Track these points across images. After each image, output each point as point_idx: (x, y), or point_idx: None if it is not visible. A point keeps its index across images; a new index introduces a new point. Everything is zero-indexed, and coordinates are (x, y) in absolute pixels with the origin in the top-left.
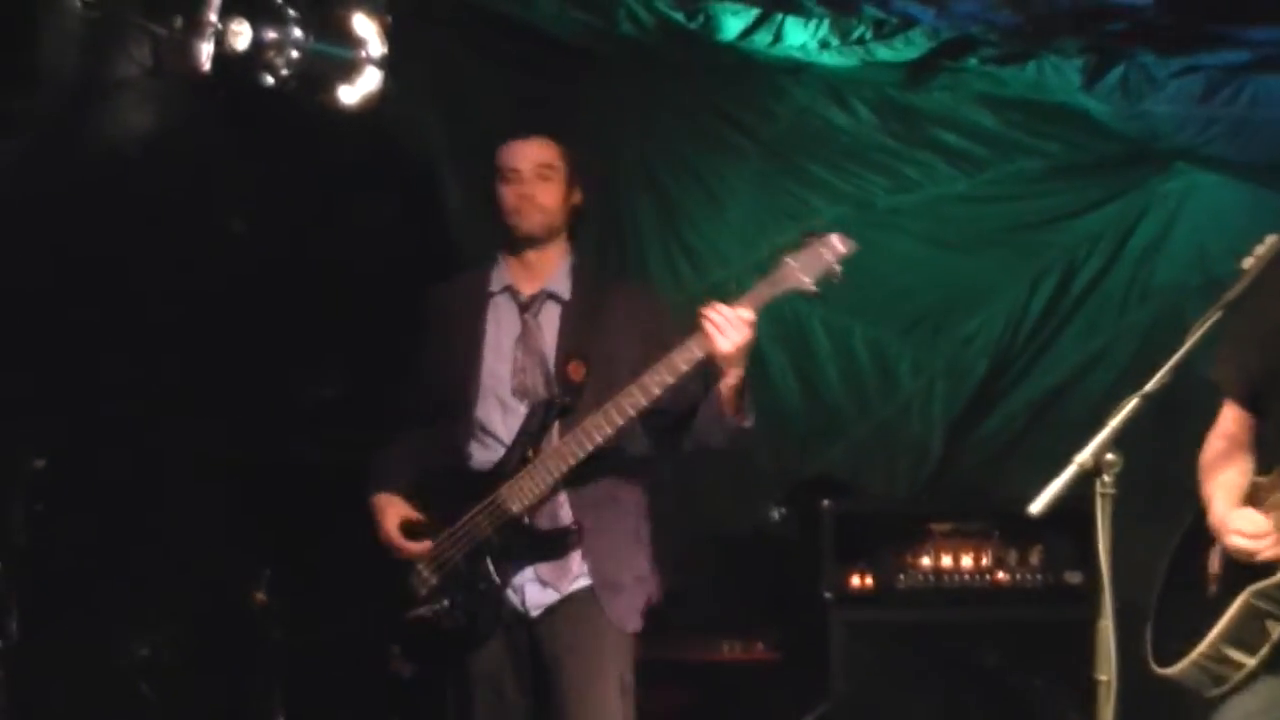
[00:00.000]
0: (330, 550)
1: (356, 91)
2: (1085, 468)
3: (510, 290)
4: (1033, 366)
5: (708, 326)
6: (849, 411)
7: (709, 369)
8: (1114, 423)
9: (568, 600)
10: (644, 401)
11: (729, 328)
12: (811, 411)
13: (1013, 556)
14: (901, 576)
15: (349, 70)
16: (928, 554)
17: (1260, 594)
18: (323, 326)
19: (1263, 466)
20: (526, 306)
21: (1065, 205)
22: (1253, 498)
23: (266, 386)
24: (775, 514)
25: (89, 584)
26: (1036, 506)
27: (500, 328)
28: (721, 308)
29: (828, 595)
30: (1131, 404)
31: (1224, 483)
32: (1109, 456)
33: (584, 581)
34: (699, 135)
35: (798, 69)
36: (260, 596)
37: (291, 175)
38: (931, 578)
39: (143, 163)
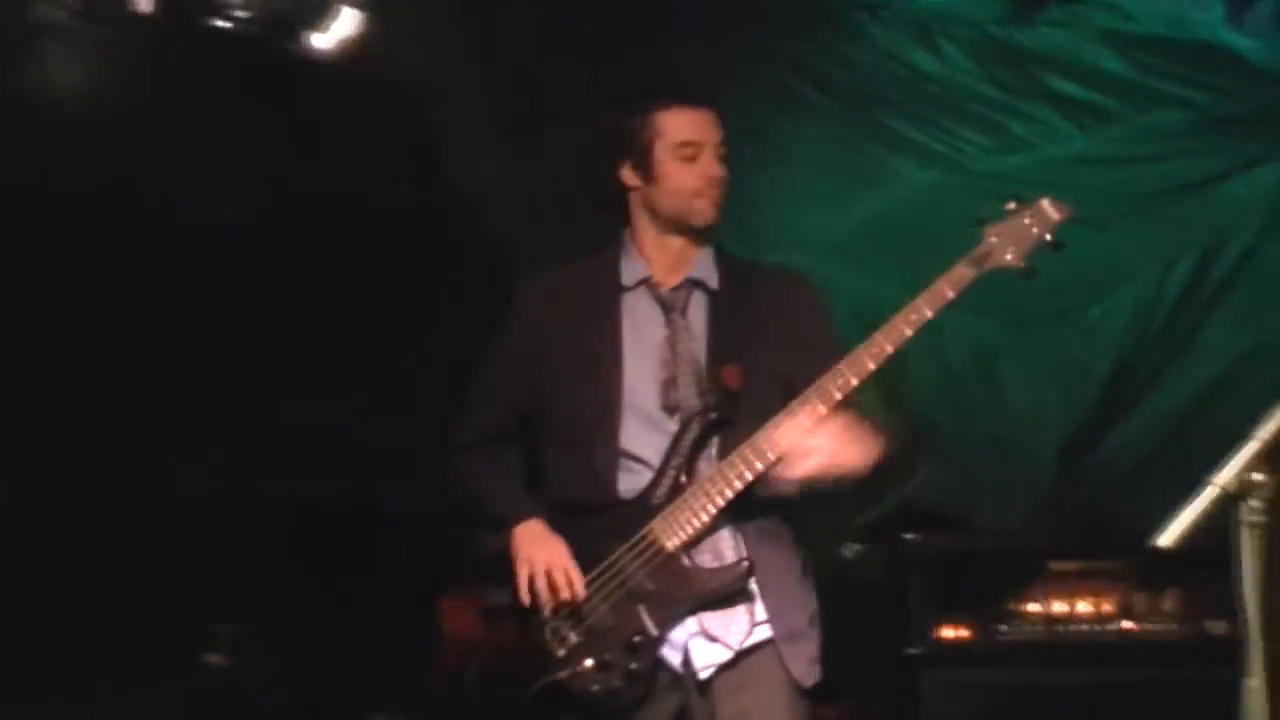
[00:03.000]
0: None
1: (329, 37)
2: (1226, 490)
3: (648, 283)
4: (1169, 367)
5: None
6: (940, 423)
7: None
8: (1264, 434)
9: (744, 656)
10: (819, 413)
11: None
12: (893, 423)
13: (1142, 601)
14: (1005, 627)
15: (318, 10)
16: (1037, 599)
17: None
18: (298, 332)
19: None
20: (672, 303)
21: (1210, 167)
22: None
23: (221, 401)
24: (849, 551)
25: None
26: (1166, 538)
27: (640, 330)
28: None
29: (915, 650)
30: None
31: None
32: (1257, 476)
33: (762, 633)
34: (762, 91)
35: (877, 5)
36: (218, 659)
37: (254, 142)
38: (1042, 627)
39: (68, 126)
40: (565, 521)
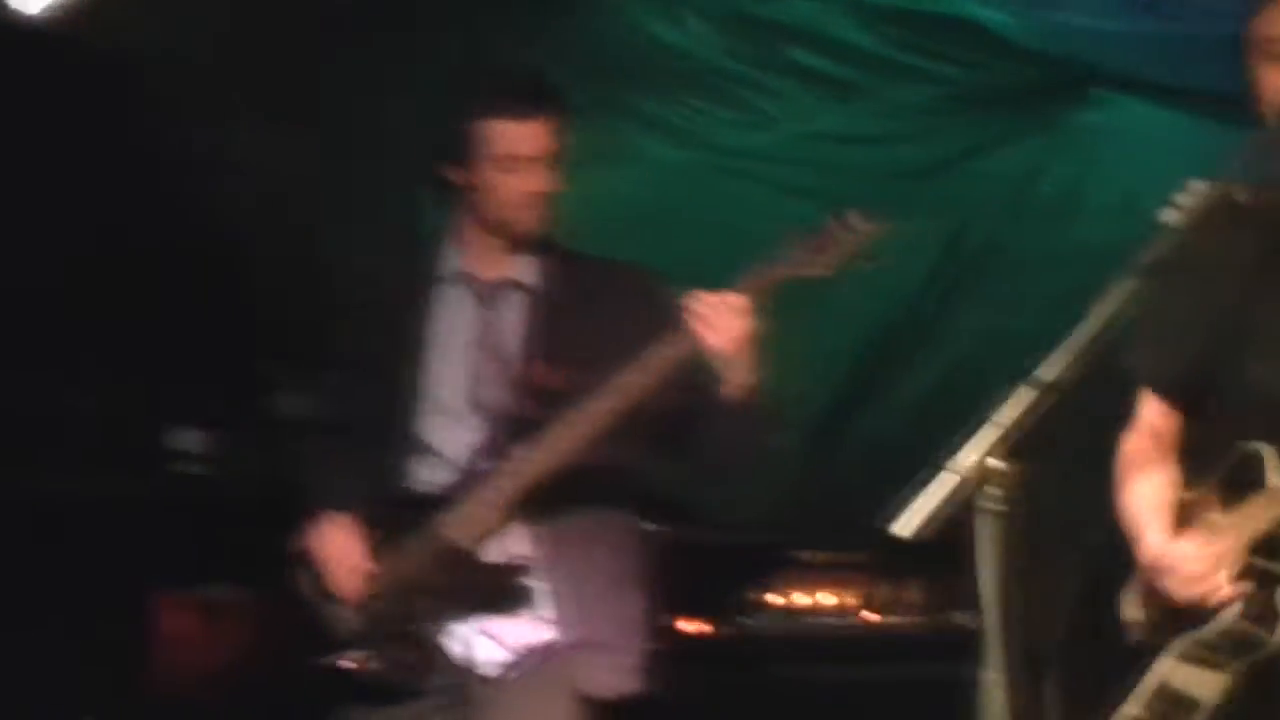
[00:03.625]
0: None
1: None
2: (964, 477)
3: (465, 277)
4: (917, 352)
5: (690, 318)
6: None
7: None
8: (1003, 419)
9: (529, 658)
10: (613, 411)
11: (716, 318)
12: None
13: (886, 593)
14: (746, 620)
15: None
16: (779, 591)
17: (1201, 645)
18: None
19: (1192, 476)
20: (487, 299)
21: (957, 145)
22: (1182, 517)
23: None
24: None
25: None
26: (902, 527)
27: (451, 324)
28: (705, 295)
29: (652, 645)
30: (1027, 396)
31: (1151, 501)
32: (995, 463)
33: (547, 635)
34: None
35: None
36: None
37: None
38: (784, 620)
39: None
40: (374, 512)
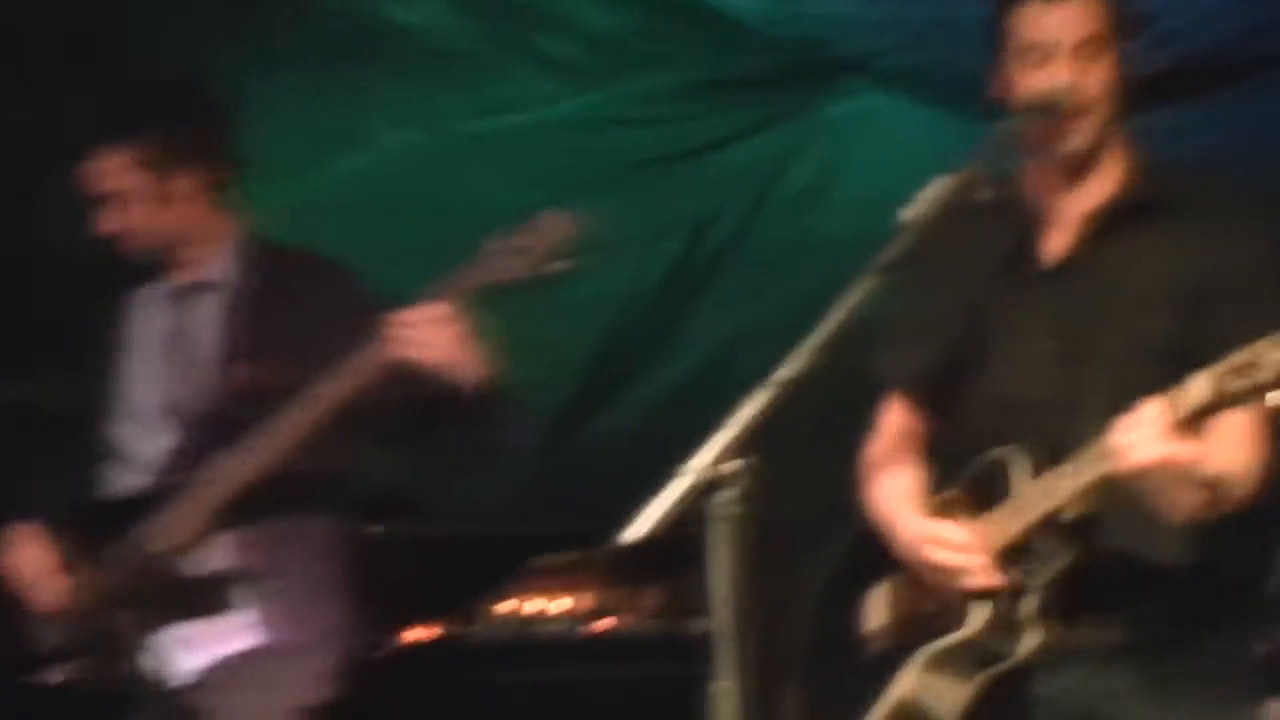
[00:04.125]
0: None
1: None
2: (701, 479)
3: (160, 280)
4: (659, 347)
5: (393, 339)
6: None
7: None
8: (739, 422)
9: (225, 665)
10: (312, 420)
11: (419, 333)
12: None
13: (623, 598)
14: (478, 626)
15: None
16: (512, 594)
17: (945, 655)
18: None
19: (940, 481)
20: (179, 301)
21: (699, 135)
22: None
23: None
24: None
25: None
26: (638, 531)
27: (147, 328)
28: (406, 313)
29: (379, 652)
30: (766, 396)
31: (902, 491)
32: (731, 466)
33: (248, 641)
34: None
35: None
36: None
37: None
38: (515, 626)
39: None
40: (70, 520)
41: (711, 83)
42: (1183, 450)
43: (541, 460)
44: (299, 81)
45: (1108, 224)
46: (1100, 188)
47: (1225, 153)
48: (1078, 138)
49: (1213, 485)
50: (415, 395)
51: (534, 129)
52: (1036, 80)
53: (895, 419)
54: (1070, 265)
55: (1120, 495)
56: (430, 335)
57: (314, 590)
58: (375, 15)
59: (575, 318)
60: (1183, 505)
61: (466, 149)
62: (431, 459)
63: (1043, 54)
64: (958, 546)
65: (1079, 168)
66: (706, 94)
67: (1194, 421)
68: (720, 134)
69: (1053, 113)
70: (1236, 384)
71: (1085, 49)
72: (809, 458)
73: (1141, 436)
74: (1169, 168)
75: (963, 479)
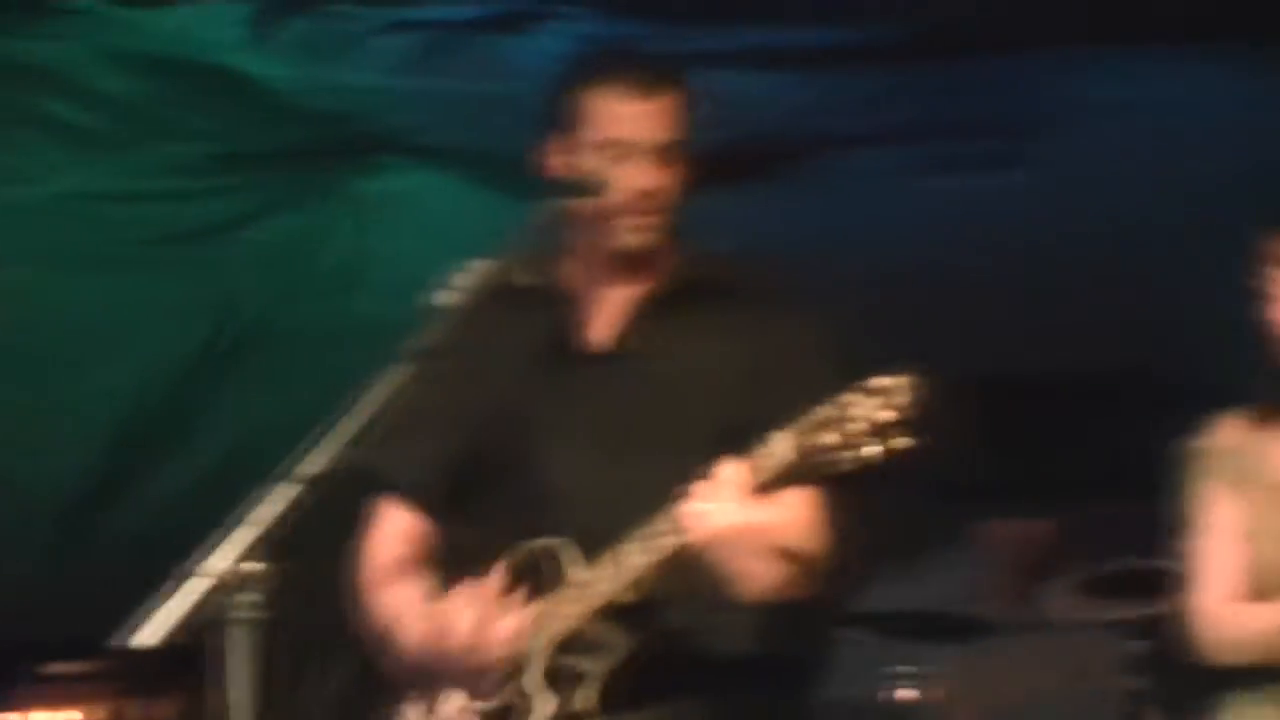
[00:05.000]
0: None
1: None
2: (219, 582)
3: None
4: (179, 438)
5: None
6: None
7: None
8: (260, 519)
9: None
10: None
11: None
12: None
13: (137, 709)
14: None
15: None
16: (19, 708)
17: None
18: None
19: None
20: None
21: (226, 211)
22: None
23: None
24: None
25: None
26: (147, 636)
27: None
28: None
29: None
30: (288, 492)
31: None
32: (251, 566)
33: None
34: None
35: None
36: None
37: None
38: None
39: None
40: None
41: (237, 155)
42: (762, 515)
43: (50, 560)
44: None
45: (655, 311)
46: (649, 276)
47: (775, 237)
48: (643, 236)
49: (792, 558)
50: None
51: (54, 200)
52: (614, 176)
53: (398, 523)
54: (615, 353)
55: (690, 573)
56: None
57: None
58: None
59: (84, 407)
60: (758, 579)
61: None
62: None
63: (622, 151)
64: (471, 623)
65: (634, 261)
66: (232, 166)
67: (776, 484)
68: (247, 209)
69: (603, 197)
70: (825, 438)
71: (666, 152)
72: (333, 556)
73: (719, 502)
74: (715, 254)
75: (502, 575)
